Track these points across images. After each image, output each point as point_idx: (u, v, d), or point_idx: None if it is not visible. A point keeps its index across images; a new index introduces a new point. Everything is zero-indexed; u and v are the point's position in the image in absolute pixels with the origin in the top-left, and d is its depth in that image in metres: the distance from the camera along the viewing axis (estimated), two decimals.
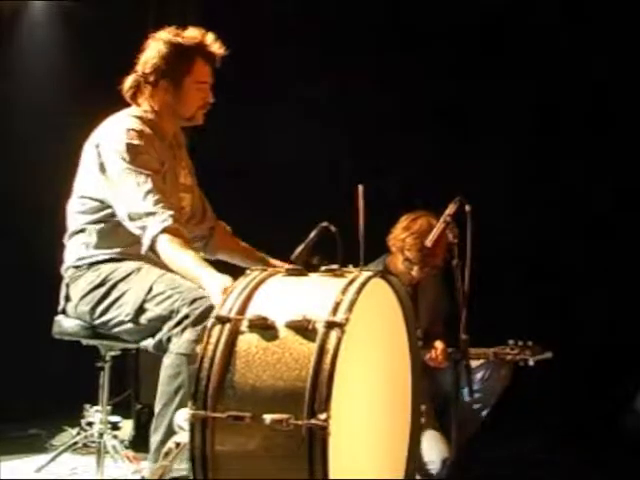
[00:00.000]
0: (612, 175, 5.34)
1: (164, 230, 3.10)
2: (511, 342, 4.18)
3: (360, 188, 2.97)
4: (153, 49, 3.36)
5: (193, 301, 3.00)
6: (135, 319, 3.16)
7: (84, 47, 5.65)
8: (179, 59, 3.34)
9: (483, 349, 4.15)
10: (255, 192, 5.52)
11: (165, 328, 3.04)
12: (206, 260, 3.14)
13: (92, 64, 5.47)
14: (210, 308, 2.86)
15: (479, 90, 5.44)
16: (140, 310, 3.14)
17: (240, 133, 5.48)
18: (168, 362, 3.01)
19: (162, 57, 3.34)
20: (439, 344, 4.18)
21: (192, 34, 3.37)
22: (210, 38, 3.37)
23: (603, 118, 5.34)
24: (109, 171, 3.24)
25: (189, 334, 2.97)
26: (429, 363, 4.15)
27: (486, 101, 5.43)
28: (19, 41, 5.89)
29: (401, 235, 4.26)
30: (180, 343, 2.98)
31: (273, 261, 3.54)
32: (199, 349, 2.55)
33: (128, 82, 3.42)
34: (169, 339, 3.02)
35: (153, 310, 3.10)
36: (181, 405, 2.89)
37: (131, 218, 3.16)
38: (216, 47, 3.37)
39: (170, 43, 3.34)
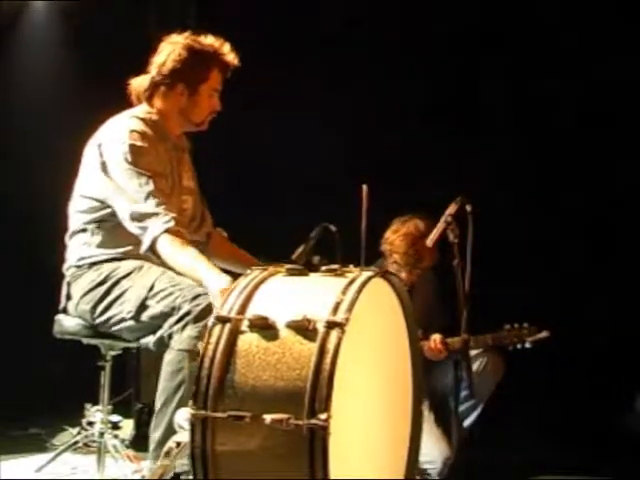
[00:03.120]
0: (614, 174, 5.34)
1: (166, 231, 3.11)
2: (507, 326, 4.22)
3: (364, 188, 2.97)
4: (172, 52, 3.37)
5: (194, 298, 3.01)
6: (136, 316, 3.17)
7: (84, 47, 5.65)
8: (198, 65, 3.37)
9: (481, 336, 4.17)
10: (255, 192, 5.53)
11: (166, 325, 3.06)
12: None
13: (92, 64, 5.47)
14: (211, 305, 2.89)
15: (480, 90, 5.45)
16: (142, 307, 3.15)
17: (240, 133, 5.47)
18: (169, 358, 3.02)
19: (181, 61, 3.36)
20: (437, 336, 4.20)
21: (211, 42, 3.39)
22: (227, 48, 3.40)
23: (604, 118, 5.34)
24: (111, 171, 3.26)
25: (190, 330, 2.98)
26: (427, 354, 4.15)
27: (487, 101, 5.43)
28: (19, 41, 5.89)
29: (390, 238, 4.32)
30: (181, 339, 2.99)
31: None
32: (200, 346, 2.56)
33: (144, 84, 3.43)
34: (170, 336, 3.04)
35: (155, 307, 3.11)
36: (182, 401, 2.91)
37: (132, 218, 3.17)
38: (232, 57, 3.41)
39: (190, 48, 3.37)
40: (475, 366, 4.16)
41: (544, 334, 4.21)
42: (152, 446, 3.03)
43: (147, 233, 3.13)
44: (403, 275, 4.28)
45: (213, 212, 3.68)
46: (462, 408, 4.14)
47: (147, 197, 3.16)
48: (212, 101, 3.43)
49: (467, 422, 4.26)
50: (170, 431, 2.89)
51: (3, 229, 5.42)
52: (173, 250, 3.10)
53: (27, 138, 5.62)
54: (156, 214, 3.14)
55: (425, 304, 4.36)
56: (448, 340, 4.19)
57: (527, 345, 4.19)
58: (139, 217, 3.16)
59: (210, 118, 3.46)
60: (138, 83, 3.46)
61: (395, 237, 4.31)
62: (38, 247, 4.98)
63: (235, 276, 2.87)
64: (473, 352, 4.13)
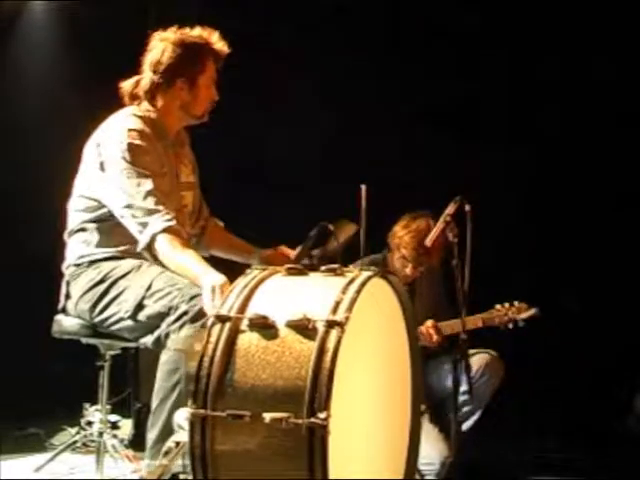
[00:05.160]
0: (614, 174, 5.33)
1: (166, 229, 3.11)
2: (497, 306, 4.22)
3: (363, 188, 2.98)
4: (165, 49, 3.37)
5: (192, 298, 3.01)
6: (134, 316, 3.16)
7: (84, 47, 5.65)
8: (193, 59, 3.37)
9: (471, 317, 4.15)
10: (255, 192, 5.53)
11: (164, 324, 3.05)
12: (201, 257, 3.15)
13: (92, 64, 5.47)
14: None
15: (480, 89, 5.45)
16: (139, 307, 3.14)
17: (237, 129, 5.47)
18: (165, 358, 3.02)
19: (177, 57, 3.36)
20: (429, 322, 4.19)
21: (200, 33, 3.40)
22: (216, 37, 3.41)
23: (604, 117, 5.34)
24: (109, 170, 3.25)
25: (187, 330, 2.97)
26: (423, 343, 4.14)
27: (486, 100, 5.44)
28: (19, 41, 5.89)
29: (399, 232, 4.32)
30: (178, 339, 2.98)
31: (265, 251, 3.55)
32: (197, 346, 2.56)
33: (144, 85, 3.41)
34: (167, 335, 3.03)
35: (152, 307, 3.11)
36: (178, 401, 2.91)
37: (132, 215, 3.16)
38: (222, 45, 3.42)
39: (183, 43, 3.37)
40: (474, 372, 4.15)
41: (534, 311, 4.22)
42: (149, 445, 3.03)
43: (146, 229, 3.12)
44: (408, 270, 4.29)
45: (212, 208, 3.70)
46: (461, 412, 4.13)
47: (146, 196, 3.16)
48: (210, 91, 3.43)
49: (465, 426, 4.25)
50: (166, 430, 2.89)
51: (3, 229, 5.42)
52: (171, 250, 3.09)
53: (27, 138, 5.62)
54: (156, 211, 3.14)
55: (427, 299, 4.36)
56: (441, 324, 4.18)
57: (520, 324, 4.20)
58: (139, 213, 3.15)
59: (209, 109, 3.46)
60: (130, 85, 3.44)
61: (405, 233, 4.29)
62: (38, 247, 4.97)
63: (239, 269, 2.86)
64: (473, 358, 4.12)
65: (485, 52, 5.48)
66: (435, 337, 4.19)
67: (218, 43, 3.40)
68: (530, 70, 5.42)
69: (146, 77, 3.41)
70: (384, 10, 5.57)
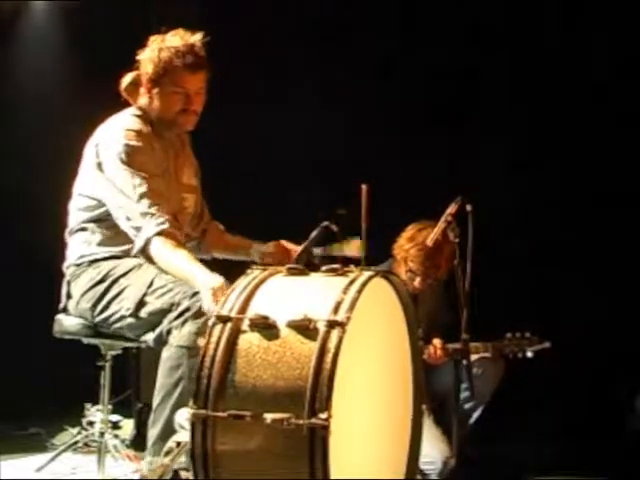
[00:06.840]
0: (614, 174, 5.33)
1: (160, 233, 3.11)
2: (509, 335, 4.21)
3: (363, 188, 2.98)
4: (147, 51, 3.37)
5: (194, 294, 3.00)
6: (136, 313, 3.16)
7: (84, 47, 5.66)
8: (159, 64, 3.32)
9: (481, 343, 4.16)
10: (255, 192, 5.53)
11: (165, 321, 3.05)
12: (200, 260, 3.15)
13: (92, 64, 5.47)
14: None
15: (480, 89, 5.45)
16: (141, 304, 3.14)
17: (239, 132, 5.47)
18: (168, 354, 3.01)
19: (149, 60, 3.34)
20: (437, 341, 4.19)
21: (174, 39, 3.33)
22: (191, 44, 3.32)
23: (604, 117, 5.34)
24: (106, 171, 3.26)
25: (190, 326, 2.97)
26: (428, 360, 4.16)
27: (487, 100, 5.44)
28: (19, 41, 5.89)
29: (406, 245, 4.25)
30: (180, 335, 2.98)
31: (264, 245, 3.54)
32: (200, 342, 2.56)
33: (127, 79, 3.43)
34: (169, 331, 3.02)
35: (154, 303, 3.11)
36: (181, 398, 2.91)
37: (127, 218, 3.17)
38: (194, 54, 3.31)
39: (156, 47, 3.34)
40: (475, 368, 4.15)
41: (545, 344, 4.21)
42: (150, 442, 3.02)
43: (140, 233, 3.13)
44: (416, 283, 4.24)
45: (213, 207, 3.69)
46: (463, 409, 4.14)
47: (140, 198, 3.16)
48: (179, 99, 3.33)
49: (468, 423, 4.25)
50: (168, 427, 2.89)
51: (3, 229, 5.42)
52: (165, 252, 3.09)
53: (27, 138, 5.62)
54: (150, 214, 3.13)
55: (431, 310, 4.35)
56: (448, 346, 4.18)
57: (528, 354, 4.19)
58: (133, 217, 3.16)
59: (187, 117, 3.37)
60: (127, 79, 3.45)
61: (411, 246, 4.22)
62: (38, 247, 4.98)
63: (238, 270, 2.86)
64: (474, 357, 4.12)
65: (485, 51, 5.48)
66: (443, 359, 4.18)
67: (192, 50, 3.29)
68: (531, 70, 5.42)
69: (129, 75, 3.43)
70: (384, 10, 5.57)
